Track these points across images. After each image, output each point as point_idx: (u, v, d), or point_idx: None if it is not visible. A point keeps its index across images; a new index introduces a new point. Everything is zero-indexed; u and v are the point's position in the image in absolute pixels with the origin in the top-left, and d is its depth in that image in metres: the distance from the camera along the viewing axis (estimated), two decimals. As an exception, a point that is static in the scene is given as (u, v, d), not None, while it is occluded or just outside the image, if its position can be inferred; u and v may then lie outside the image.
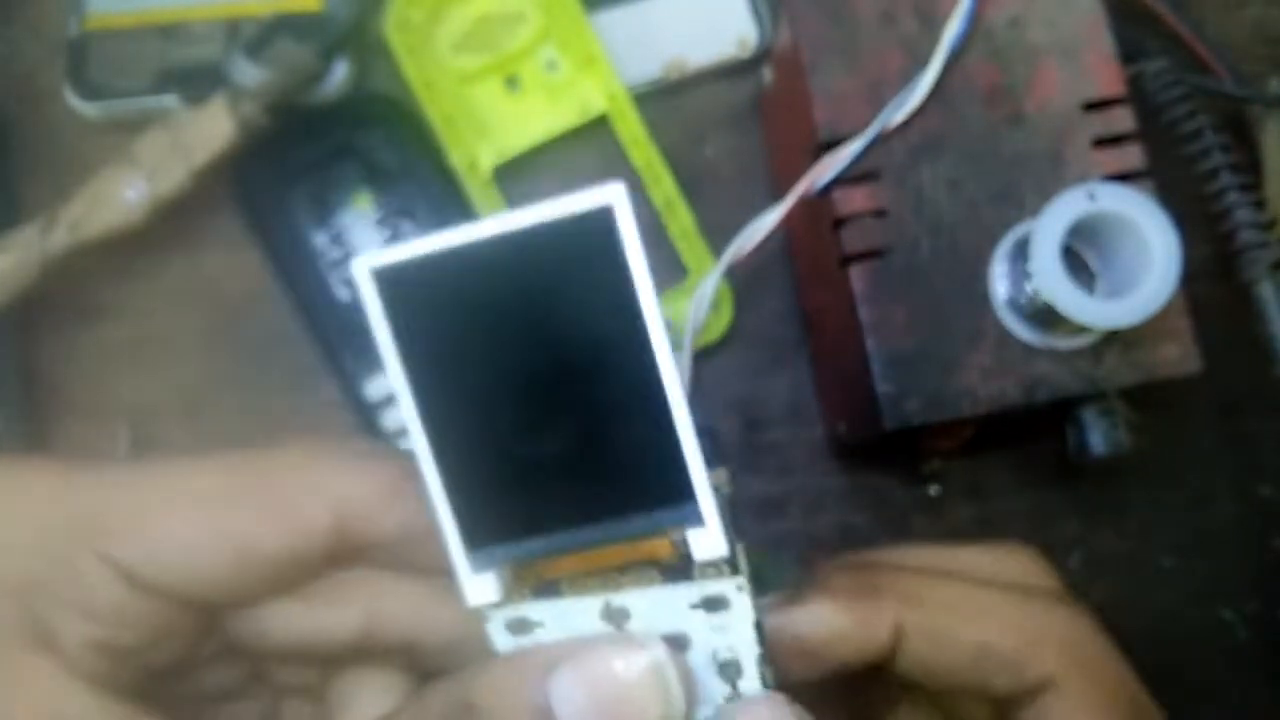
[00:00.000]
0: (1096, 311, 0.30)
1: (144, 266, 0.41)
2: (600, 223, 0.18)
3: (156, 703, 0.23)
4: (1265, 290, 0.37)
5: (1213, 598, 0.39)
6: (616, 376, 0.19)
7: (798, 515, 0.39)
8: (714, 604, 0.21)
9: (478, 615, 0.22)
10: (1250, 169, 0.38)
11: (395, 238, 0.39)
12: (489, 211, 0.40)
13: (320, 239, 0.39)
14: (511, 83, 0.40)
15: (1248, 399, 0.39)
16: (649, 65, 0.41)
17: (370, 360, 0.39)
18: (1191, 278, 0.30)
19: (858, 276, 0.33)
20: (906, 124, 0.33)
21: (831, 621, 0.24)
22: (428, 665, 0.25)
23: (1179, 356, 0.32)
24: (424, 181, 0.39)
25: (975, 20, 0.33)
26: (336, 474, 0.24)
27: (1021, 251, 0.32)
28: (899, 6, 0.33)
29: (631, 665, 0.20)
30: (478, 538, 0.21)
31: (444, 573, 0.22)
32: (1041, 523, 0.39)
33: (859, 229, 0.33)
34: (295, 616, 0.24)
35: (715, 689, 0.22)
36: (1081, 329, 0.31)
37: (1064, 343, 0.32)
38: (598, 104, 0.40)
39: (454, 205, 0.39)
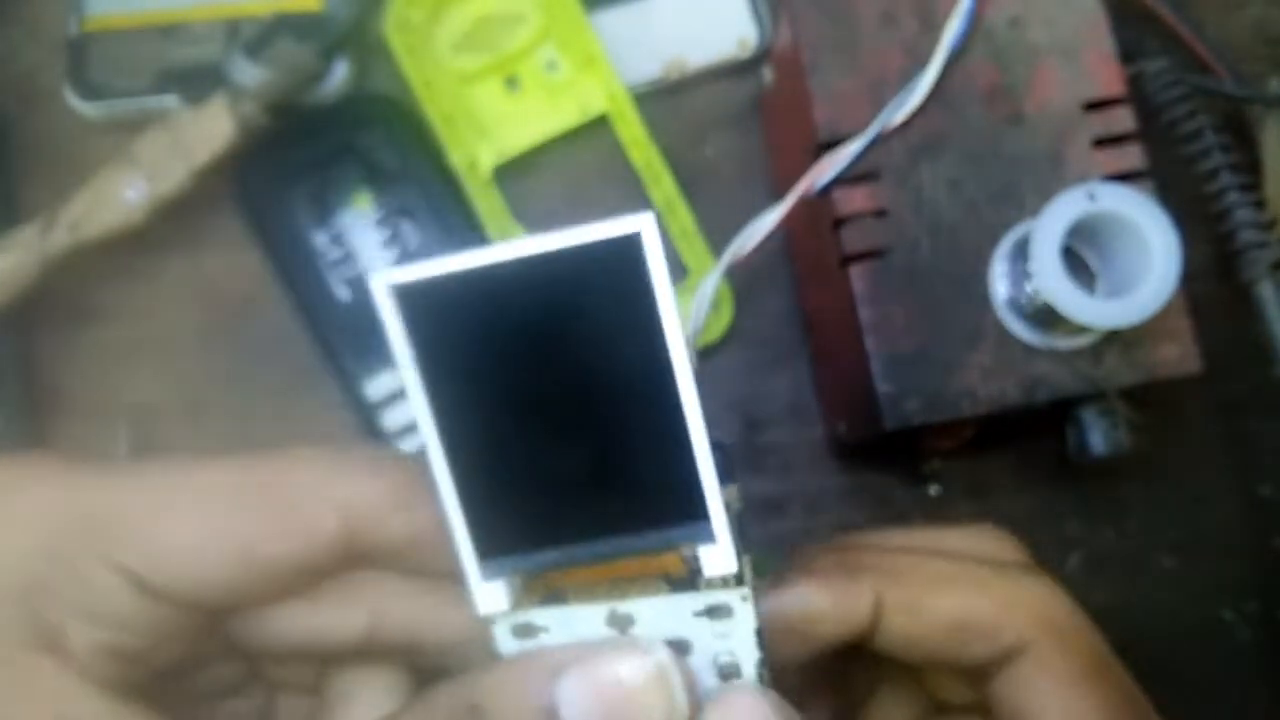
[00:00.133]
0: (1096, 311, 0.30)
1: (144, 266, 0.41)
2: (628, 249, 0.19)
3: (157, 702, 0.23)
4: (1265, 290, 0.37)
5: (1213, 598, 0.39)
6: (635, 397, 0.19)
7: (798, 515, 0.39)
8: (718, 612, 0.21)
9: (485, 621, 0.22)
10: (1250, 169, 0.38)
11: (395, 238, 0.39)
12: (489, 211, 0.40)
13: (320, 239, 0.39)
14: (511, 83, 0.40)
15: (1248, 399, 0.39)
16: (649, 65, 0.41)
17: (370, 360, 0.39)
18: (1191, 278, 0.30)
19: (858, 276, 0.33)
20: (906, 124, 0.33)
21: (813, 600, 0.25)
22: (430, 665, 0.25)
23: (1179, 356, 0.32)
24: (424, 181, 0.39)
25: (975, 20, 0.33)
26: (345, 479, 0.24)
27: (1021, 251, 0.32)
28: (899, 6, 0.33)
29: (637, 670, 0.20)
30: (489, 547, 0.21)
31: (450, 577, 0.22)
32: (1041, 523, 0.39)
33: (859, 229, 0.33)
34: (300, 618, 0.25)
35: (713, 690, 0.22)
36: (1081, 329, 0.31)
37: (1064, 343, 0.32)
38: (598, 104, 0.40)
39: (454, 205, 0.39)
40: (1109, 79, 0.33)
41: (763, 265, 0.40)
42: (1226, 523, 0.39)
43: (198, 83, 0.39)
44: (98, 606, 0.23)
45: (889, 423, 0.32)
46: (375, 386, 0.39)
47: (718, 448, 0.20)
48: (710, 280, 0.36)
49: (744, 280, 0.40)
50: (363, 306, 0.39)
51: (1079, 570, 0.39)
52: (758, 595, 0.21)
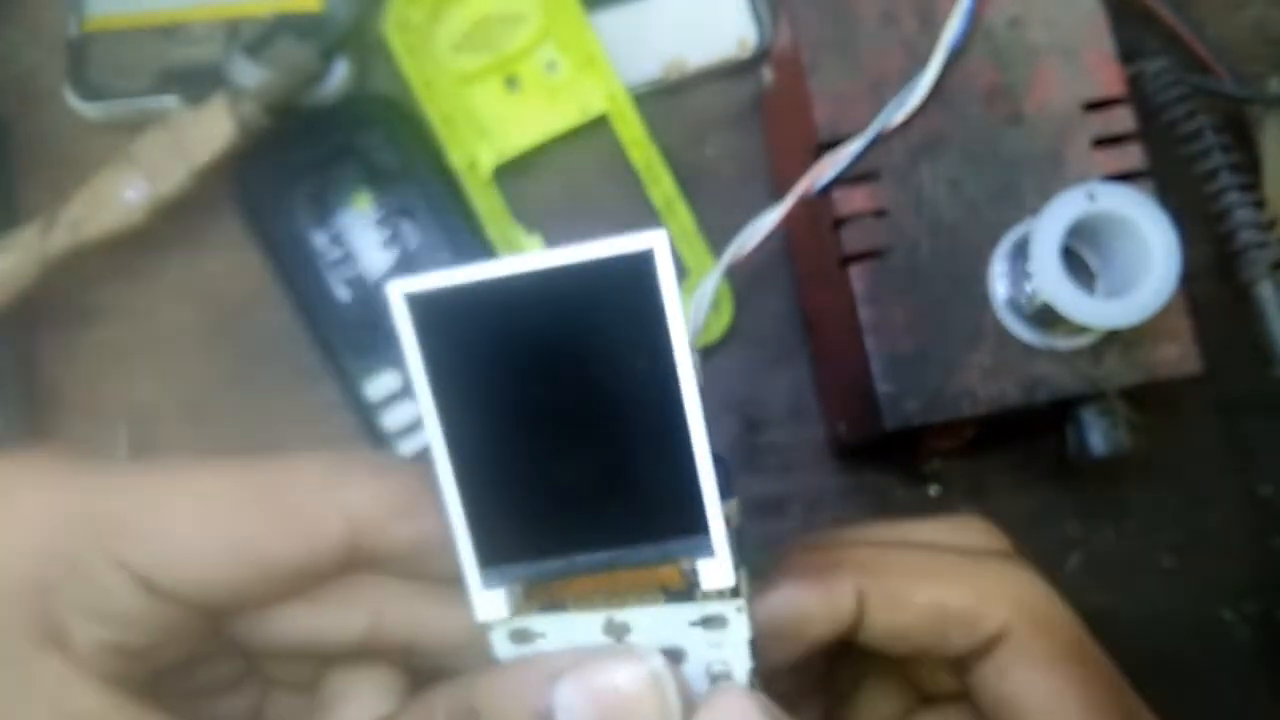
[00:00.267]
0: (1096, 311, 0.30)
1: (144, 266, 0.41)
2: (640, 266, 0.19)
3: (155, 698, 0.24)
4: (1265, 290, 0.37)
5: (1213, 598, 0.39)
6: (641, 412, 0.20)
7: (798, 515, 0.39)
8: (713, 622, 0.22)
9: (483, 626, 0.22)
10: (1250, 169, 0.38)
11: (395, 238, 0.39)
12: (489, 211, 0.40)
13: (320, 239, 0.39)
14: (511, 83, 0.40)
15: (1248, 399, 0.39)
16: (649, 65, 0.41)
17: (370, 360, 0.39)
18: (1191, 278, 0.30)
19: (858, 276, 0.33)
20: (906, 124, 0.33)
21: (798, 601, 0.25)
22: (426, 667, 0.26)
23: (1179, 356, 0.32)
24: (424, 181, 0.39)
25: (975, 20, 0.33)
26: (350, 484, 0.24)
27: (1021, 251, 0.32)
28: (899, 6, 0.33)
29: (633, 676, 0.21)
30: (491, 555, 0.21)
31: (450, 582, 0.22)
32: (1041, 523, 0.39)
33: (859, 229, 0.33)
34: (300, 618, 0.25)
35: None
36: (1081, 329, 0.31)
37: (1064, 343, 0.32)
38: (598, 104, 0.40)
39: (454, 205, 0.39)
40: (1109, 79, 0.33)
41: (763, 265, 0.40)
42: (1226, 523, 0.39)
43: (198, 83, 0.39)
44: (103, 605, 0.23)
45: (889, 423, 0.32)
46: (375, 386, 0.39)
47: (718, 463, 0.20)
48: (710, 280, 0.36)
49: (744, 280, 0.40)
50: (363, 306, 0.39)
51: (1079, 570, 0.39)
52: (751, 605, 0.22)
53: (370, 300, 0.39)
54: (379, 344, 0.39)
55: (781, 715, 0.22)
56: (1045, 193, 0.31)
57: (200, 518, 0.23)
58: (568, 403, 0.20)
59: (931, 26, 0.33)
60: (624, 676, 0.21)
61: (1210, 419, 0.39)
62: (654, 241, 0.19)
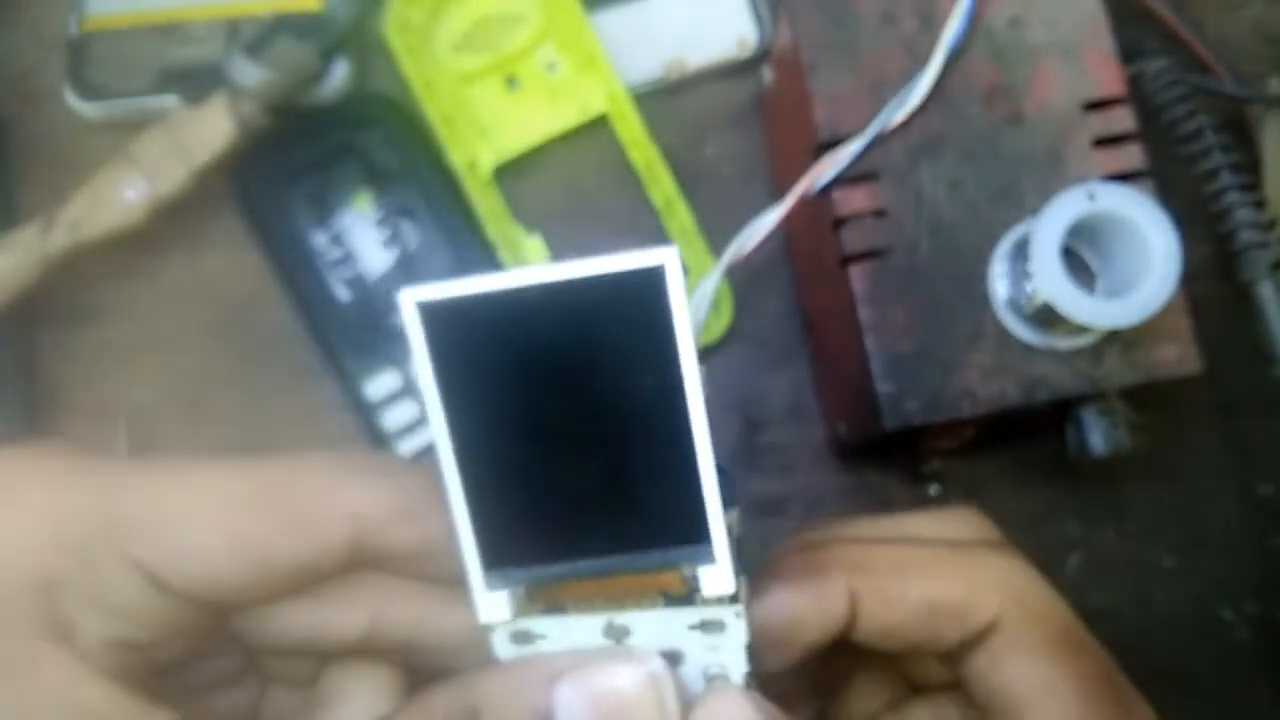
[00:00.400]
0: (1096, 311, 0.30)
1: (144, 266, 0.41)
2: (650, 281, 0.19)
3: (156, 692, 0.24)
4: (1265, 290, 0.37)
5: (1213, 598, 0.39)
6: (647, 422, 0.20)
7: (798, 515, 0.39)
8: (711, 627, 0.22)
9: (484, 628, 0.22)
10: (1250, 169, 0.38)
11: (395, 238, 0.39)
12: (489, 211, 0.40)
13: (320, 239, 0.39)
14: (511, 83, 0.40)
15: (1248, 399, 0.39)
16: (649, 65, 0.41)
17: (370, 360, 0.39)
18: (1191, 278, 0.30)
19: (858, 276, 0.33)
20: (906, 124, 0.33)
21: (791, 605, 0.25)
22: (426, 665, 0.26)
23: (1179, 356, 0.32)
24: (424, 181, 0.39)
25: (975, 20, 0.33)
26: (356, 485, 0.24)
27: (1021, 251, 0.32)
28: (899, 6, 0.33)
29: (632, 678, 0.21)
30: (495, 558, 0.22)
31: (453, 584, 0.22)
32: (1041, 523, 0.39)
33: (859, 229, 0.33)
34: (303, 616, 0.25)
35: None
36: (1081, 329, 0.31)
37: (1064, 343, 0.32)
38: (598, 104, 0.40)
39: (454, 205, 0.39)
40: (1109, 79, 0.33)
41: (763, 265, 0.40)
42: (1226, 523, 0.39)
43: (198, 83, 0.39)
44: (111, 600, 0.23)
45: (889, 423, 0.32)
46: (375, 386, 0.39)
47: (721, 473, 0.20)
48: (710, 280, 0.36)
49: (744, 280, 0.40)
50: (363, 306, 0.39)
51: (1079, 570, 0.39)
52: (749, 610, 0.22)
53: (370, 300, 0.39)
54: (379, 344, 0.39)
55: (776, 713, 0.22)
56: (1045, 193, 0.31)
57: (207, 515, 0.23)
58: (575, 412, 0.20)
59: (931, 26, 0.33)
60: (624, 678, 0.21)
61: (1210, 419, 0.39)
62: (665, 258, 0.19)
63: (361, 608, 0.25)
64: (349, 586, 0.25)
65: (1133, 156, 0.33)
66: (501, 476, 0.21)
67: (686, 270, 0.40)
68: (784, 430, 0.40)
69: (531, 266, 0.20)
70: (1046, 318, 0.31)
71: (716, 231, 0.39)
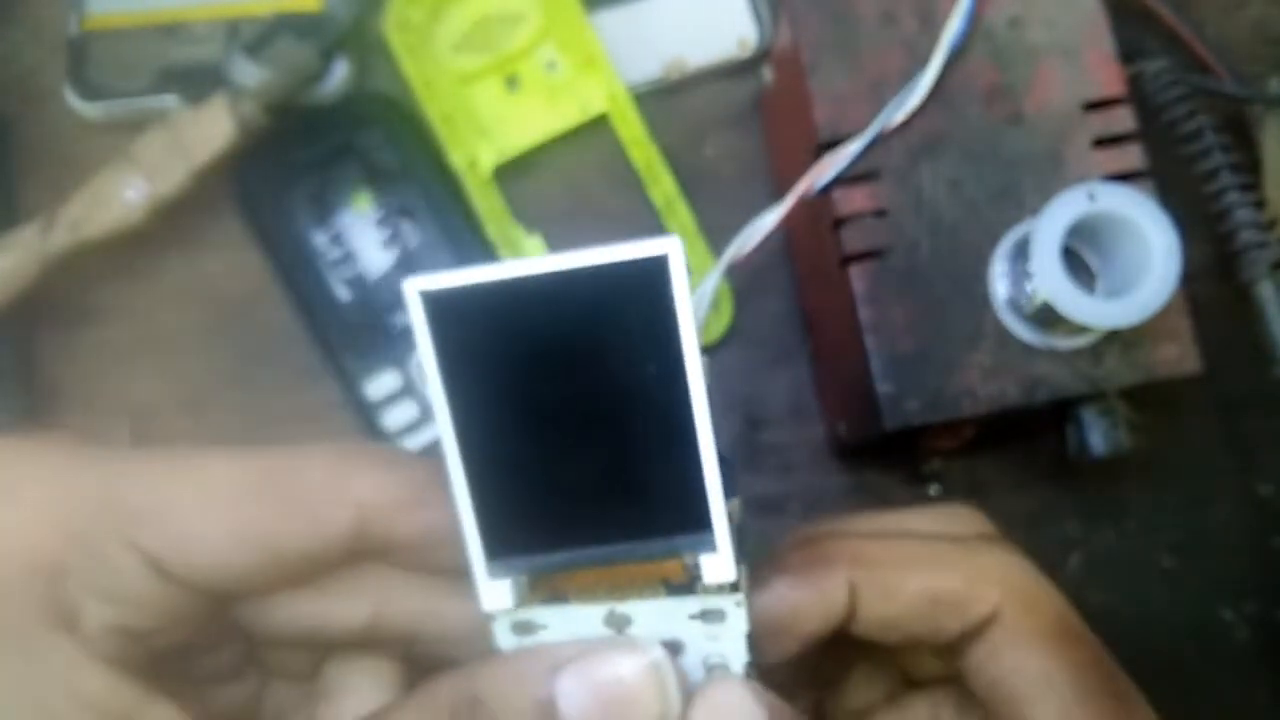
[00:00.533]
0: (1096, 311, 0.30)
1: (144, 266, 0.41)
2: (654, 271, 0.20)
3: (157, 683, 0.24)
4: (1265, 290, 0.37)
5: (1213, 598, 0.39)
6: (649, 411, 0.20)
7: (798, 515, 0.39)
8: (712, 616, 0.22)
9: (486, 617, 0.22)
10: (1250, 169, 0.38)
11: (395, 238, 0.39)
12: (489, 211, 0.40)
13: (320, 239, 0.39)
14: (511, 83, 0.40)
15: (1248, 399, 0.39)
16: (649, 65, 0.41)
17: (370, 360, 0.39)
18: (1191, 278, 0.30)
19: (858, 276, 0.33)
20: (906, 124, 0.33)
21: (792, 597, 0.25)
22: (426, 657, 0.26)
23: (1179, 356, 0.32)
24: (424, 181, 0.39)
25: (975, 20, 0.33)
26: (360, 476, 0.24)
27: (1021, 251, 0.32)
28: (899, 6, 0.33)
29: (634, 667, 0.21)
30: (498, 547, 0.22)
31: (456, 574, 0.23)
32: (1041, 523, 0.39)
33: (859, 229, 0.33)
34: (305, 606, 0.25)
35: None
36: (1081, 329, 0.31)
37: (1064, 343, 0.32)
38: (598, 104, 0.40)
39: (454, 205, 0.39)
40: (1109, 79, 0.33)
41: (763, 265, 0.40)
42: (1226, 523, 0.39)
43: (198, 83, 0.39)
44: (114, 587, 0.23)
45: (889, 423, 0.32)
46: (375, 386, 0.39)
47: (723, 462, 0.20)
48: (710, 280, 0.36)
49: (744, 280, 0.40)
50: (363, 306, 0.39)
51: (1079, 570, 0.39)
52: (749, 600, 0.22)
53: (370, 300, 0.39)
54: (379, 344, 0.39)
55: (775, 701, 0.22)
56: (1045, 193, 0.31)
57: (212, 504, 0.24)
58: (577, 400, 0.21)
59: (931, 26, 0.33)
60: (625, 667, 0.21)
61: (1210, 419, 0.39)
62: (668, 247, 0.19)
63: (364, 598, 0.25)
64: (351, 577, 0.25)
65: (1133, 156, 0.33)
66: (504, 465, 0.21)
67: (689, 267, 0.40)
68: (784, 430, 0.40)
69: (535, 256, 0.20)
70: (1046, 318, 0.31)
71: (716, 231, 0.39)
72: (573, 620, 0.22)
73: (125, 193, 0.37)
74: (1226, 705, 0.38)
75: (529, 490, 0.21)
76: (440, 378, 0.21)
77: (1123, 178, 0.32)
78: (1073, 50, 0.33)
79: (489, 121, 0.40)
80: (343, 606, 0.25)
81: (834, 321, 0.36)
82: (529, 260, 0.20)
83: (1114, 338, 0.32)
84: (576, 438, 0.21)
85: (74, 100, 0.40)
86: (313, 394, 0.40)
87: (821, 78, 0.33)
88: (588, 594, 0.22)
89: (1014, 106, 0.33)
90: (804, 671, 0.28)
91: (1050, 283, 0.30)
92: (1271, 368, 0.37)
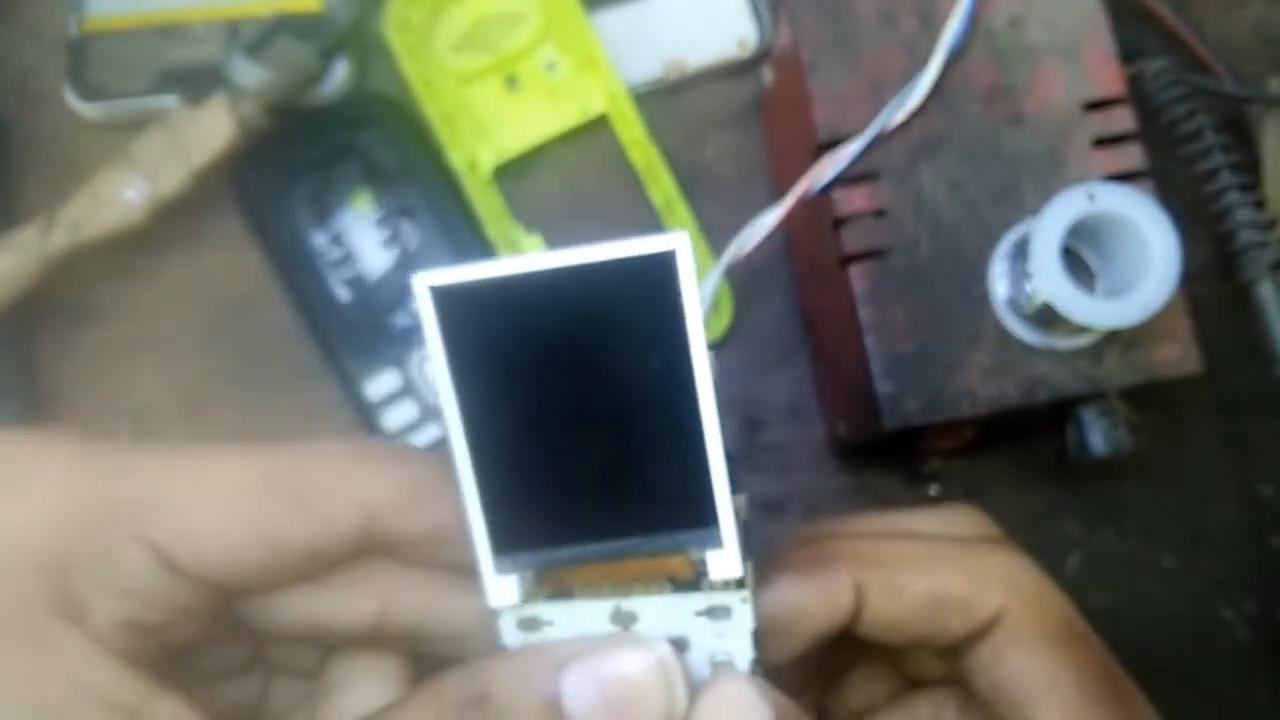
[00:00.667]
0: (1096, 311, 0.30)
1: (144, 266, 0.41)
2: (661, 266, 0.20)
3: (165, 678, 0.24)
4: (1265, 290, 0.37)
5: (1213, 598, 0.39)
6: (656, 407, 0.20)
7: (798, 515, 0.39)
8: (718, 613, 0.22)
9: (492, 613, 0.23)
10: (1250, 169, 0.38)
11: (395, 238, 0.39)
12: (489, 211, 0.40)
13: (320, 239, 0.39)
14: (511, 83, 0.40)
15: (1248, 399, 0.39)
16: (649, 65, 0.41)
17: (370, 360, 0.39)
18: (1191, 278, 0.30)
19: (858, 276, 0.33)
20: (906, 124, 0.33)
21: (796, 596, 0.25)
22: (431, 654, 0.26)
23: (1179, 356, 0.32)
24: (424, 181, 0.39)
25: (975, 20, 0.33)
26: (367, 471, 0.24)
27: (1021, 251, 0.32)
28: (899, 6, 0.33)
29: (640, 664, 0.21)
30: (505, 542, 0.22)
31: (462, 570, 0.23)
32: (1041, 523, 0.39)
33: (859, 229, 0.33)
34: (312, 602, 0.25)
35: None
36: (1081, 329, 0.31)
37: (1064, 343, 0.32)
38: (598, 104, 0.40)
39: (454, 205, 0.39)
40: (1109, 79, 0.33)
41: (763, 265, 0.40)
42: (1226, 523, 0.39)
43: (198, 83, 0.39)
44: (122, 581, 0.23)
45: (889, 423, 0.32)
46: (375, 386, 0.39)
47: (728, 458, 0.21)
48: (710, 280, 0.36)
49: (744, 280, 0.40)
50: (363, 306, 0.39)
51: (1079, 570, 0.39)
52: (755, 597, 0.22)
53: (370, 300, 0.39)
54: (379, 344, 0.39)
55: (780, 699, 0.22)
56: (1045, 193, 0.31)
57: (220, 498, 0.24)
58: (585, 395, 0.21)
59: (931, 26, 0.33)
60: (632, 664, 0.21)
61: (1210, 419, 0.39)
62: (676, 243, 0.19)
63: (370, 595, 0.25)
64: (358, 574, 0.25)
65: (1133, 156, 0.33)
66: (511, 460, 0.21)
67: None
68: (784, 430, 0.40)
69: (544, 252, 0.20)
70: (1046, 318, 0.31)
71: (716, 231, 0.39)
72: (578, 617, 0.22)
73: (125, 193, 0.37)
74: (1226, 705, 0.38)
75: (535, 485, 0.21)
76: (448, 373, 0.21)
77: (1123, 178, 0.32)
78: (1073, 50, 0.33)
79: (489, 122, 0.40)
80: (349, 602, 0.25)
81: (834, 321, 0.36)
82: (538, 255, 0.20)
83: (1114, 338, 0.32)
84: (583, 433, 0.21)
85: (74, 100, 0.40)
86: (313, 394, 0.40)
87: (821, 78, 0.33)
88: (593, 590, 0.22)
89: (1014, 106, 0.33)
90: (805, 671, 0.28)
91: (1050, 283, 0.30)
92: (1271, 368, 0.37)
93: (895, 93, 0.33)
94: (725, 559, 0.21)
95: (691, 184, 0.40)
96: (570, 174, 0.41)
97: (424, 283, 0.21)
